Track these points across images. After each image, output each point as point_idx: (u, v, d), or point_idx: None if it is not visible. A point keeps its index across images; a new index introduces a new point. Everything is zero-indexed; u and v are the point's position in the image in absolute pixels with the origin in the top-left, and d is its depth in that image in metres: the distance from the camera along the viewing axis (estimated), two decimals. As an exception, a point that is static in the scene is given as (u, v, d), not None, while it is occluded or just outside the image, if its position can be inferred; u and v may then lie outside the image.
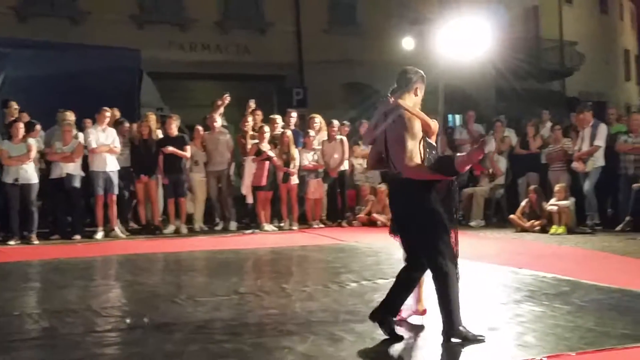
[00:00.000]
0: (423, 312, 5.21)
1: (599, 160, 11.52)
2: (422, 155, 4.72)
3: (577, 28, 31.69)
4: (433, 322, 4.88)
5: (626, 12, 40.20)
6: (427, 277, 5.02)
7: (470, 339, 4.69)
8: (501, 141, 13.61)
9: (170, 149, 11.86)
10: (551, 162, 12.61)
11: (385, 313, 4.90)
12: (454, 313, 4.68)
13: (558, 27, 31.12)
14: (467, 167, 4.71)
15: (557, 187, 11.63)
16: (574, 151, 11.94)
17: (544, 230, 11.36)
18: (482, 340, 4.73)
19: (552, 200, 11.51)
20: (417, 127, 4.70)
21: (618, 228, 11.03)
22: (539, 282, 6.87)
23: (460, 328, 4.69)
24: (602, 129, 11.60)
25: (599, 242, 10.15)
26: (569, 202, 11.40)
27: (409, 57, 20.52)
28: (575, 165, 11.75)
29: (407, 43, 20.88)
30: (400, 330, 4.96)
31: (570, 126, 13.38)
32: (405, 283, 4.95)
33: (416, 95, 4.91)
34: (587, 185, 11.52)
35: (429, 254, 4.70)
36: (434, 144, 4.99)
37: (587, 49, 31.63)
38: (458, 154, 4.79)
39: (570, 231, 11.19)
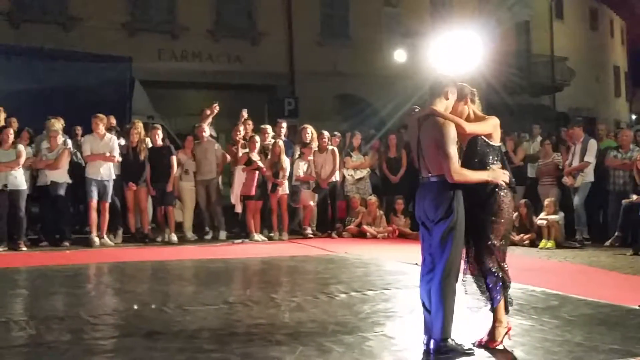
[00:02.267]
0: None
1: (588, 175, 11.58)
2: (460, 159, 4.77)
3: (567, 44, 31.93)
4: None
5: (616, 28, 40.55)
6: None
7: (459, 352, 4.68)
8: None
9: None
10: (541, 177, 12.67)
11: None
12: (447, 324, 4.68)
13: (549, 42, 31.34)
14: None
15: (546, 202, 11.67)
16: (564, 166, 12.00)
17: (533, 244, 11.38)
18: (471, 354, 4.72)
19: (542, 215, 11.54)
20: (453, 131, 4.73)
21: (607, 243, 11.05)
22: (528, 296, 6.86)
23: (449, 340, 4.69)
24: (592, 145, 11.66)
25: (588, 256, 10.19)
26: (558, 217, 11.44)
27: (400, 70, 20.70)
28: (566, 180, 11.80)
29: (399, 56, 20.98)
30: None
31: (560, 141, 13.44)
32: None
33: (447, 99, 4.88)
34: (576, 200, 11.56)
35: (441, 260, 4.70)
36: (497, 145, 4.97)
37: (578, 65, 31.86)
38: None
39: (559, 245, 11.22)
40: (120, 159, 11.67)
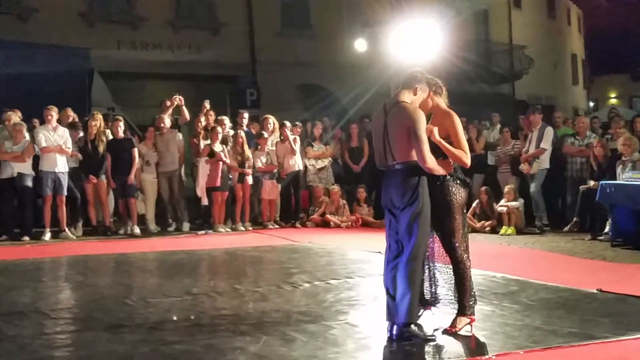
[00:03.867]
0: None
1: (544, 162, 11.75)
2: None
3: (526, 32, 32.25)
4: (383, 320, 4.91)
5: (573, 17, 41.08)
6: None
7: (421, 338, 4.74)
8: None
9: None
10: (500, 164, 12.82)
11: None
12: (412, 309, 4.72)
13: (507, 31, 31.63)
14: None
15: (506, 189, 11.83)
16: (521, 153, 12.16)
17: (493, 230, 11.53)
18: (432, 340, 4.78)
19: (502, 202, 11.69)
20: (424, 118, 4.77)
21: (565, 229, 11.23)
22: (489, 282, 6.96)
23: (412, 326, 4.74)
24: (549, 132, 11.83)
25: (547, 242, 10.35)
26: (518, 203, 11.59)
27: (361, 59, 20.73)
28: (522, 167, 11.95)
29: (360, 45, 21.00)
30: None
31: (519, 128, 13.62)
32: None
33: (415, 94, 4.93)
34: (533, 187, 11.73)
35: (408, 245, 4.73)
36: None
37: (536, 53, 32.22)
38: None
39: (519, 232, 11.38)
40: (72, 150, 11.51)
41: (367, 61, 19.71)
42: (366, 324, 5.32)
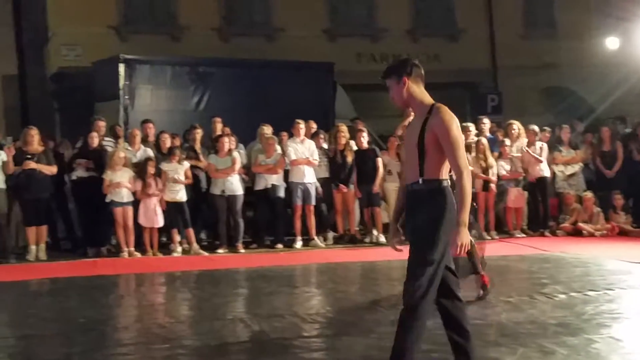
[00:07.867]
0: None
1: None
2: None
3: None
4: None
5: None
6: None
7: None
8: None
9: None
10: None
11: None
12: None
13: None
14: None
15: None
16: None
17: None
18: None
19: None
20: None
21: None
22: None
23: None
24: None
25: None
26: None
27: (611, 56, 19.48)
28: None
29: (611, 43, 19.72)
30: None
31: None
32: None
33: None
34: None
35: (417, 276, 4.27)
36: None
37: None
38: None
39: None
40: (317, 163, 11.94)
41: (618, 59, 18.50)
42: (632, 338, 4.97)
